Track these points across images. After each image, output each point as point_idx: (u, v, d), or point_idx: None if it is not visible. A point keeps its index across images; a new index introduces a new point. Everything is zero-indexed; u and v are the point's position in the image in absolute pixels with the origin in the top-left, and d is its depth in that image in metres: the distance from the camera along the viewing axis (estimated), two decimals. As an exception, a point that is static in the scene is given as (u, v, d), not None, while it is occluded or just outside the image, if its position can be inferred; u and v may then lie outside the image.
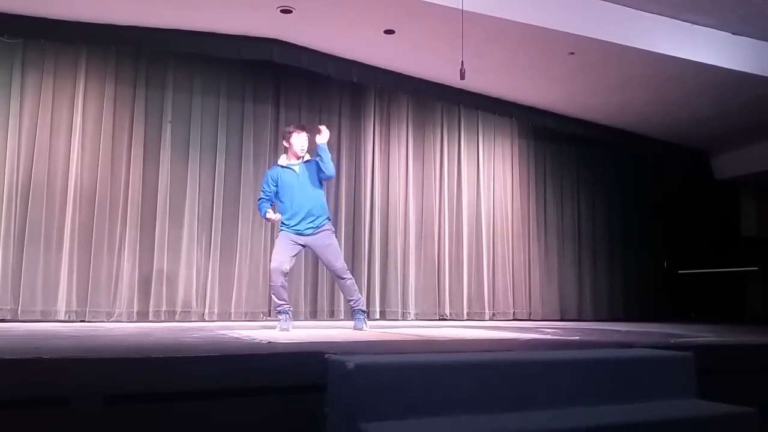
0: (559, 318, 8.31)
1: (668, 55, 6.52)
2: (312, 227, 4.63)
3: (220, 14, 5.94)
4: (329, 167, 4.66)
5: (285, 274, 4.62)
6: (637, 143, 8.96)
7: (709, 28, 6.64)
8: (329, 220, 4.76)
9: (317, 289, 7.04)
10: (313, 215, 4.63)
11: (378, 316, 7.25)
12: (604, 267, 8.99)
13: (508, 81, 7.41)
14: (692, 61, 6.62)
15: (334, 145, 7.37)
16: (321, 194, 4.74)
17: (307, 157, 4.73)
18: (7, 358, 2.09)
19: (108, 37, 6.00)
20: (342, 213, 7.33)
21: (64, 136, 6.18)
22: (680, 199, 9.35)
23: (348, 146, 7.52)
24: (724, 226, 9.55)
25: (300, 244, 4.67)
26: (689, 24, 6.56)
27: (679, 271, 9.10)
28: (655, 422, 2.46)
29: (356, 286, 4.85)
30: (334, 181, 7.26)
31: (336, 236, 4.91)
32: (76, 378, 2.08)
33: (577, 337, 4.14)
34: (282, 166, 4.74)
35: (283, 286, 4.61)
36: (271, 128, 7.00)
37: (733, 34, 6.76)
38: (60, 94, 6.20)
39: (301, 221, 4.62)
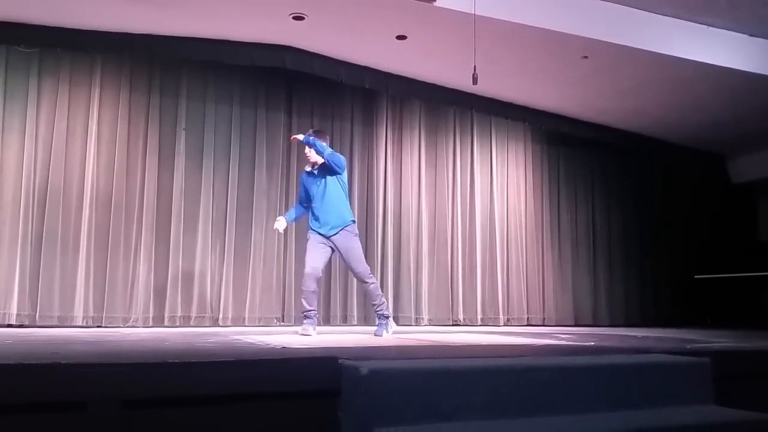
0: (573, 324, 8.26)
1: (683, 58, 6.47)
2: (334, 229, 4.70)
3: (232, 22, 5.99)
4: (323, 153, 4.67)
5: (318, 280, 4.73)
6: (652, 147, 8.89)
7: (724, 30, 6.58)
8: (353, 222, 4.81)
9: (330, 294, 7.05)
10: (332, 218, 4.71)
11: (391, 322, 7.23)
12: (619, 272, 8.91)
13: (521, 85, 7.40)
14: (707, 63, 6.57)
15: (347, 151, 7.39)
16: (338, 196, 4.76)
17: (320, 160, 4.76)
18: (27, 362, 2.12)
19: (122, 45, 6.09)
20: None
21: (79, 143, 6.25)
22: (696, 203, 9.25)
23: (360, 152, 7.54)
24: (741, 231, 9.43)
25: (330, 247, 4.75)
26: (705, 26, 6.51)
27: (696, 276, 9.00)
28: (671, 428, 2.43)
29: (379, 290, 4.87)
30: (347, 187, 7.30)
31: (359, 240, 4.90)
32: (94, 383, 2.10)
33: (592, 343, 4.11)
34: (307, 172, 4.90)
35: (314, 292, 4.70)
36: (283, 135, 7.02)
37: (750, 35, 6.69)
38: (75, 102, 6.28)
39: (323, 225, 4.72)
